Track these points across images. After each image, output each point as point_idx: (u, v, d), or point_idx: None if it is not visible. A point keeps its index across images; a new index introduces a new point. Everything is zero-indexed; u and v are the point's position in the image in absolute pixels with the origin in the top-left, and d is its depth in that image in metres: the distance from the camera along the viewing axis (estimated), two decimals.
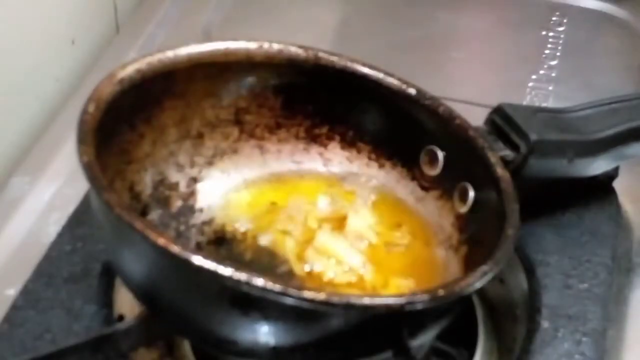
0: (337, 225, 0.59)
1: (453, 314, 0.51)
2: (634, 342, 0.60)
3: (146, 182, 0.57)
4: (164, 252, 0.44)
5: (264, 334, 0.46)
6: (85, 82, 0.74)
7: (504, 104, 0.59)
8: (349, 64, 0.59)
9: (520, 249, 0.61)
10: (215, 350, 0.53)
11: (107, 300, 0.57)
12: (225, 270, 0.43)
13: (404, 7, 0.90)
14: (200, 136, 0.59)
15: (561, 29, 0.87)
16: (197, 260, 0.43)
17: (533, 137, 0.57)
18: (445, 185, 0.59)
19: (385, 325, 0.48)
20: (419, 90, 0.59)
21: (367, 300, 0.45)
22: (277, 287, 0.43)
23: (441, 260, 0.57)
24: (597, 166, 0.63)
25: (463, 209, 0.57)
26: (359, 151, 0.62)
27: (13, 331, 0.54)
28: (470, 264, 0.54)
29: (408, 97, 0.59)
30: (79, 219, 0.61)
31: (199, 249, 0.57)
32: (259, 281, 0.43)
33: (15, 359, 0.52)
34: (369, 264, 0.57)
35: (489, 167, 0.55)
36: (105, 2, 0.86)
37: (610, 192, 0.66)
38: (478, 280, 0.47)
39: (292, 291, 0.43)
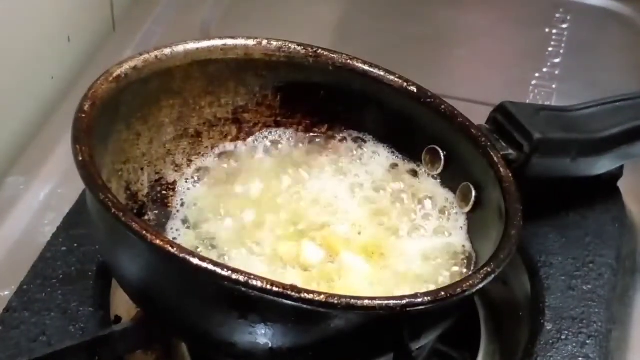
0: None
1: (455, 316, 0.50)
2: (639, 344, 0.59)
3: (143, 182, 0.56)
4: (161, 252, 0.43)
5: (263, 336, 0.46)
6: (81, 80, 0.73)
7: (507, 103, 0.59)
8: (349, 62, 0.59)
9: (523, 249, 0.61)
10: (213, 352, 0.53)
11: (103, 301, 0.57)
12: (224, 271, 0.43)
13: (404, 4, 0.90)
14: (197, 135, 0.59)
15: (565, 26, 0.87)
16: (195, 260, 0.43)
17: (536, 135, 0.57)
18: (447, 185, 0.58)
19: (386, 327, 0.47)
20: (420, 89, 0.58)
21: (367, 302, 0.45)
22: (276, 288, 0.43)
23: None
24: (602, 165, 0.63)
25: (465, 209, 0.56)
26: None
27: (8, 333, 0.54)
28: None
29: (409, 95, 0.58)
30: (75, 219, 0.61)
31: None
32: (258, 282, 0.43)
33: None
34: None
35: (492, 166, 0.54)
36: None
37: (615, 192, 0.66)
38: (480, 282, 0.47)
39: (290, 292, 0.43)
